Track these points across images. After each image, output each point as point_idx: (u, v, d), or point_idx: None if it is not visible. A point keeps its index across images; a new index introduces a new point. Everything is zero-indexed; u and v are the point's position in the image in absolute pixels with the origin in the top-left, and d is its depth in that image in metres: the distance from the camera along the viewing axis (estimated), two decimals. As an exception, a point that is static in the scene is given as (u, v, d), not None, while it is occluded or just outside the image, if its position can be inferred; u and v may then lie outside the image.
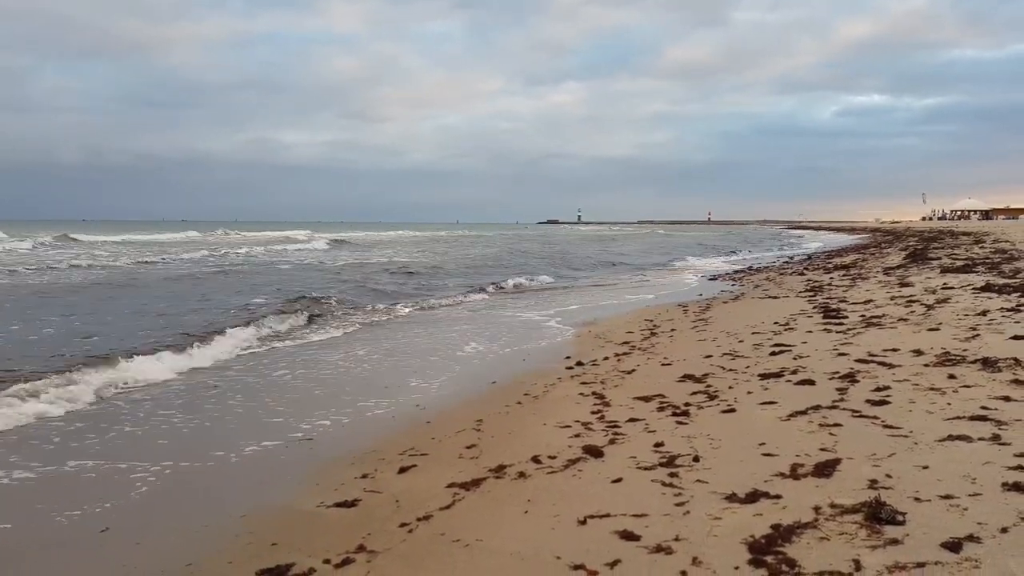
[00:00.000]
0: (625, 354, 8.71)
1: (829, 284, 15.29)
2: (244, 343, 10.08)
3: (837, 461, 4.34)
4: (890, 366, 6.74)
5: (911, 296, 11.72)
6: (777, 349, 8.11)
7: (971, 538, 3.25)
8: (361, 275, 21.64)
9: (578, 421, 5.73)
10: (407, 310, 14.30)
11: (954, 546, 3.19)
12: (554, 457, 4.88)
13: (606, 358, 8.51)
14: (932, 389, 5.81)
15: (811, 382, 6.41)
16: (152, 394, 7.37)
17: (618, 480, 4.36)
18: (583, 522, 3.79)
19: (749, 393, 6.24)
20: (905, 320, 9.34)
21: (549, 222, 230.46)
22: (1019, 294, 10.58)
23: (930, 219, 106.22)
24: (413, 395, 7.33)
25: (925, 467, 4.15)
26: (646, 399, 6.28)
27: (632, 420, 5.64)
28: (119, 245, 40.43)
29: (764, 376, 6.82)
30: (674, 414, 5.74)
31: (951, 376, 6.17)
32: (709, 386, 6.61)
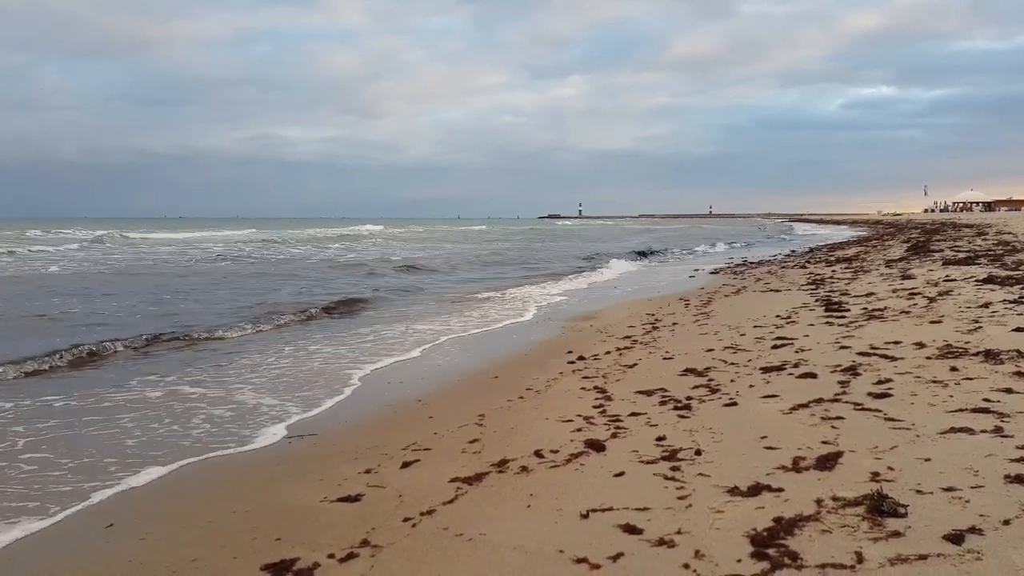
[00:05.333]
0: (627, 348, 8.71)
1: (831, 277, 15.27)
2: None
3: (839, 454, 4.35)
4: (892, 359, 6.74)
5: (913, 289, 11.72)
6: (779, 342, 8.11)
7: (973, 530, 3.26)
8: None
9: (580, 415, 5.73)
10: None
11: (956, 538, 3.20)
12: (556, 451, 4.89)
13: (607, 352, 8.51)
14: (934, 382, 5.81)
15: (813, 375, 6.41)
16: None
17: (620, 474, 4.37)
18: (585, 516, 3.80)
19: (751, 386, 6.24)
20: (907, 313, 9.34)
21: (550, 216, 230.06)
22: (1021, 286, 10.58)
23: (932, 211, 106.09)
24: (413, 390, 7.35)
25: (927, 460, 4.16)
26: (648, 393, 6.28)
27: (634, 414, 5.65)
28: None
29: (766, 369, 6.82)
30: (676, 408, 5.74)
31: (953, 368, 6.17)
32: (711, 380, 6.61)
